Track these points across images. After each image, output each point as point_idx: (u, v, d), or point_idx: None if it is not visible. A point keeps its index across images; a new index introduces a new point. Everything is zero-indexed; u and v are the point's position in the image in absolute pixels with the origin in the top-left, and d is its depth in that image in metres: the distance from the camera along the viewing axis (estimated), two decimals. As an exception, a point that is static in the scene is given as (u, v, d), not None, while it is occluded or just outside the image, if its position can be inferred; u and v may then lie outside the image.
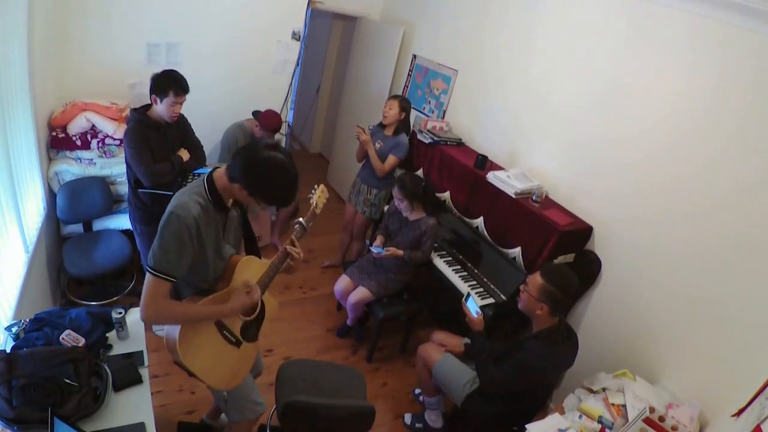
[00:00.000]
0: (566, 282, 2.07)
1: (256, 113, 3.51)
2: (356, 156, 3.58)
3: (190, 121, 2.81)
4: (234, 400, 1.88)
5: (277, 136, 3.86)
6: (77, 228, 3.07)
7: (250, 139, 3.50)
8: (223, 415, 2.30)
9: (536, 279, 2.09)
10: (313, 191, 1.92)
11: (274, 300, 1.92)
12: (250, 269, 1.74)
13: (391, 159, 3.39)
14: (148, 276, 1.45)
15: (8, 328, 1.73)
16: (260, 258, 1.82)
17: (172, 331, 1.56)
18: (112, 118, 3.06)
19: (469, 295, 2.43)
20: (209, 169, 2.78)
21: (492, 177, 2.94)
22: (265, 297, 1.83)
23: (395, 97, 3.38)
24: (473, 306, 2.37)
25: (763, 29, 1.95)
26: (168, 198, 2.53)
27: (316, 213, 1.88)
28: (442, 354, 2.51)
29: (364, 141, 3.36)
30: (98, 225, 3.14)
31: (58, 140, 2.94)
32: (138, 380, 1.75)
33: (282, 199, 1.57)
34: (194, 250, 1.51)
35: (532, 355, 2.07)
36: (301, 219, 1.85)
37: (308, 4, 3.94)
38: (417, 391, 2.95)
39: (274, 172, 1.48)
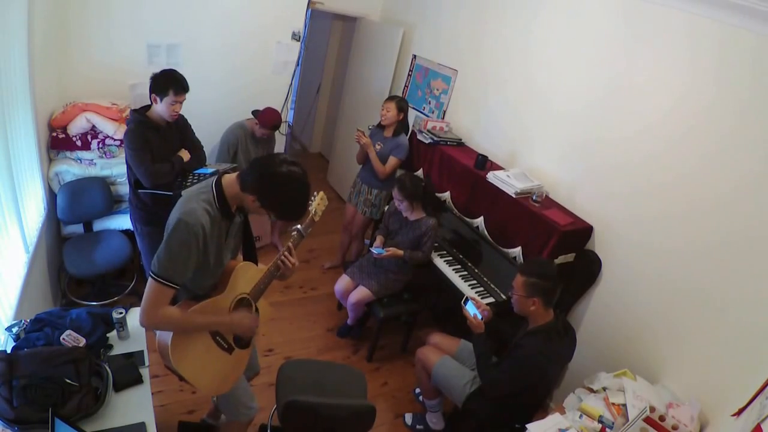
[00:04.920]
0: (544, 269, 2.14)
1: (255, 112, 3.51)
2: (357, 158, 3.58)
3: (190, 121, 2.81)
4: (225, 403, 1.89)
5: (277, 135, 3.86)
6: (78, 228, 3.07)
7: (251, 138, 3.50)
8: (223, 415, 2.30)
9: (518, 279, 2.15)
10: (312, 198, 1.89)
11: (268, 306, 1.93)
12: (246, 275, 1.74)
13: (392, 161, 3.39)
14: (151, 282, 1.44)
15: (9, 329, 1.73)
16: (257, 264, 1.82)
17: (165, 335, 1.56)
18: (112, 119, 3.06)
19: (467, 299, 2.44)
20: (210, 170, 2.78)
21: (492, 177, 2.94)
22: (259, 303, 1.83)
23: (392, 98, 3.38)
24: (472, 309, 2.37)
25: (761, 29, 1.95)
26: (168, 198, 2.54)
27: (315, 220, 1.87)
28: (440, 357, 2.52)
29: (365, 144, 3.36)
30: (98, 225, 3.14)
31: (59, 141, 2.94)
32: (138, 380, 1.75)
33: (293, 215, 1.55)
34: (198, 258, 1.50)
35: (530, 352, 2.08)
36: (299, 226, 1.83)
37: (308, 4, 3.94)
38: (417, 390, 2.96)
39: (291, 188, 1.48)
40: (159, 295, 1.45)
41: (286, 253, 1.76)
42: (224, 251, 1.65)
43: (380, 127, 3.46)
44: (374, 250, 2.97)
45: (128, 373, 1.75)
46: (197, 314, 1.57)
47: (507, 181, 2.86)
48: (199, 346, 1.63)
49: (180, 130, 2.72)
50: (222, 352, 1.71)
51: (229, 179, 1.54)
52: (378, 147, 3.41)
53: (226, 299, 1.67)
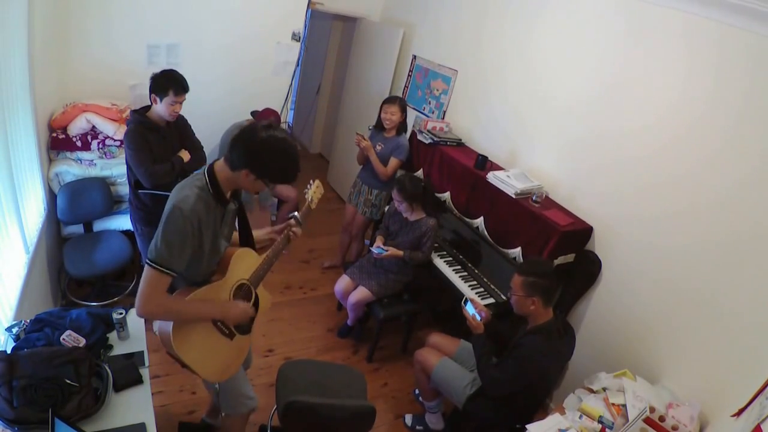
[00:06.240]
0: (541, 268, 2.15)
1: (254, 113, 3.52)
2: (357, 159, 3.57)
3: (190, 121, 2.81)
4: (226, 394, 1.89)
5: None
6: (78, 229, 3.07)
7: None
8: (222, 413, 2.31)
9: (516, 279, 2.15)
10: (308, 186, 1.96)
11: (268, 294, 1.94)
12: (245, 262, 1.76)
13: (394, 162, 3.38)
14: (148, 269, 1.44)
15: (9, 329, 1.73)
16: (255, 250, 1.84)
17: (165, 321, 1.57)
18: (112, 119, 3.06)
19: (467, 300, 2.44)
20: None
21: (492, 177, 2.94)
22: (259, 290, 1.85)
23: (394, 100, 3.34)
24: (471, 310, 2.38)
25: (760, 29, 1.95)
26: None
27: (312, 208, 1.92)
28: (439, 358, 2.51)
29: (365, 147, 3.35)
30: (99, 226, 3.14)
31: (59, 141, 2.94)
32: (138, 380, 1.75)
33: (289, 175, 1.56)
34: (194, 244, 1.50)
35: (530, 351, 2.08)
36: (296, 213, 1.88)
37: (308, 5, 3.94)
38: (417, 391, 2.95)
39: (277, 149, 1.49)
40: (156, 283, 1.45)
41: (294, 228, 1.86)
42: (220, 238, 1.66)
43: (379, 127, 3.46)
44: (374, 250, 2.97)
45: (128, 373, 1.75)
46: (193, 303, 1.57)
47: (507, 181, 2.86)
48: (200, 332, 1.64)
49: (180, 131, 2.72)
50: (223, 337, 1.71)
51: (219, 164, 1.55)
52: (378, 148, 3.41)
53: (226, 285, 1.69)
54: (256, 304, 1.83)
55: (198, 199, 1.48)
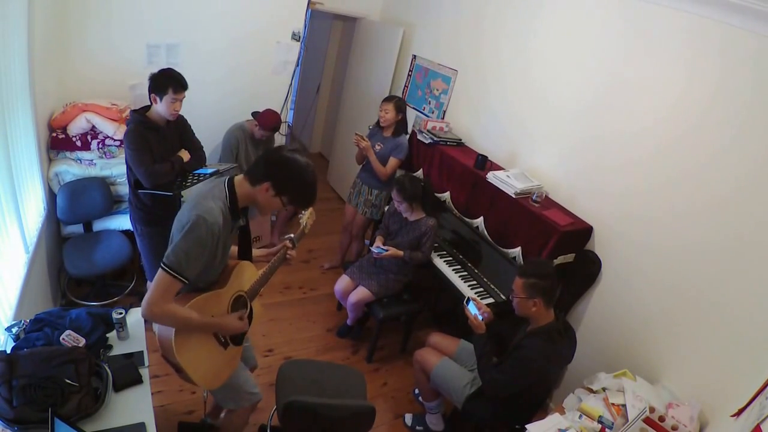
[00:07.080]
0: (542, 269, 2.16)
1: (255, 114, 3.52)
2: (356, 159, 3.58)
3: (190, 121, 2.81)
4: (230, 391, 1.91)
5: (277, 136, 3.86)
6: (77, 228, 3.07)
7: (250, 139, 3.50)
8: (223, 413, 2.31)
9: (517, 282, 2.16)
10: (302, 212, 2.07)
11: (260, 307, 2.03)
12: (245, 274, 1.83)
13: (393, 162, 3.38)
14: (161, 273, 1.45)
15: (8, 329, 1.73)
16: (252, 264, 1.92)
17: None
18: (112, 119, 3.06)
19: (469, 299, 2.45)
20: (210, 170, 2.80)
21: (492, 177, 2.94)
22: (253, 303, 1.91)
23: (390, 99, 3.37)
24: (474, 309, 2.38)
25: (762, 30, 1.95)
26: (168, 198, 2.55)
27: (305, 233, 2.03)
28: (439, 358, 2.51)
29: (365, 148, 3.36)
30: (98, 225, 3.14)
31: (59, 141, 2.94)
32: (138, 380, 1.75)
33: (306, 199, 1.64)
34: (209, 255, 1.54)
35: (531, 353, 2.08)
36: (291, 235, 1.99)
37: (308, 5, 3.94)
38: (417, 391, 2.95)
39: (300, 169, 1.57)
40: (168, 288, 1.47)
41: (290, 251, 1.96)
42: (228, 250, 1.72)
43: (379, 126, 3.46)
44: (374, 250, 2.97)
45: (128, 373, 1.75)
46: (197, 313, 1.59)
47: (507, 181, 2.86)
48: (200, 337, 1.68)
49: (180, 131, 2.71)
50: (219, 346, 1.75)
51: (239, 179, 1.62)
52: (378, 147, 3.41)
53: (227, 294, 1.74)
54: (250, 317, 1.87)
55: (220, 212, 1.52)
